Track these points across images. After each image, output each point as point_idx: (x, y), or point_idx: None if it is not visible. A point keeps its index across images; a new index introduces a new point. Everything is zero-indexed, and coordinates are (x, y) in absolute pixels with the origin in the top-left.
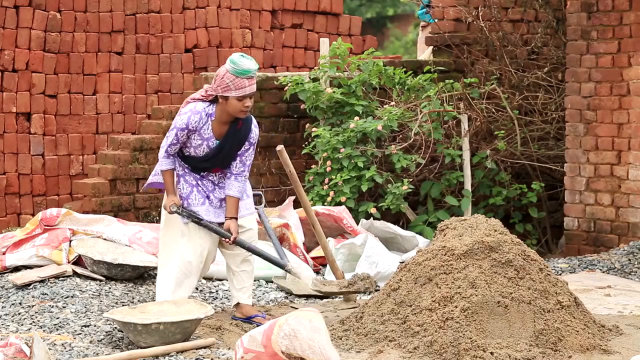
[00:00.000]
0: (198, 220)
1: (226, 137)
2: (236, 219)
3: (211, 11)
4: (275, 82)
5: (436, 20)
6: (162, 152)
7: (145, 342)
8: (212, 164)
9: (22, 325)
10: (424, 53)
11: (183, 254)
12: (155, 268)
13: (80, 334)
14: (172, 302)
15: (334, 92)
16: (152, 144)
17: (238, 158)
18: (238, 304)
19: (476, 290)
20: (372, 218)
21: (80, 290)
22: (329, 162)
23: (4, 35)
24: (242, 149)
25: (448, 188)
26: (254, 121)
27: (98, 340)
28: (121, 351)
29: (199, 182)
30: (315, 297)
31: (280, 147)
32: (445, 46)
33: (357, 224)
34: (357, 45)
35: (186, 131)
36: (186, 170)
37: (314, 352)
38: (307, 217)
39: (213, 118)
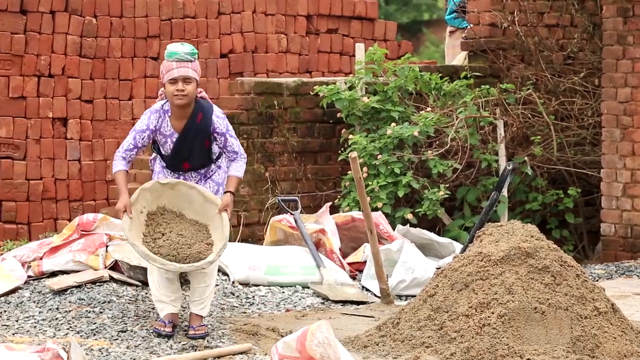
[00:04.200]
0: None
1: (186, 130)
2: (233, 193)
3: (246, 16)
4: (311, 92)
5: (471, 25)
6: (118, 154)
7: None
8: (179, 159)
9: (59, 330)
10: (456, 58)
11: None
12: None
13: (117, 339)
14: (201, 193)
15: (370, 100)
16: None
17: (224, 150)
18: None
19: (513, 297)
20: (408, 224)
21: (117, 296)
22: (365, 168)
23: (41, 40)
24: (220, 142)
25: (484, 193)
26: (217, 111)
27: (135, 346)
28: (158, 357)
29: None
30: (352, 302)
31: (354, 155)
32: (481, 51)
33: (394, 229)
34: (393, 51)
35: (147, 132)
36: (164, 172)
37: None
38: (344, 222)
39: (170, 114)
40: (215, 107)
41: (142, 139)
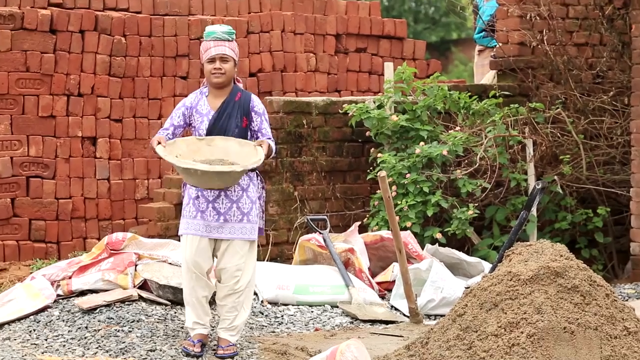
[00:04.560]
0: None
1: (223, 106)
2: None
3: (275, 35)
4: (340, 111)
5: (500, 44)
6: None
7: (188, 181)
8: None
9: (88, 349)
10: (485, 77)
11: (184, 253)
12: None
13: (146, 358)
14: (237, 141)
15: (398, 119)
16: None
17: (259, 133)
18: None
19: (542, 316)
20: (437, 243)
21: (146, 315)
22: (394, 187)
23: (70, 59)
24: (254, 122)
25: (513, 213)
26: (256, 97)
27: None
28: None
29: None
30: (381, 322)
31: (382, 174)
32: (510, 70)
33: (423, 249)
34: (422, 70)
35: (182, 109)
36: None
37: None
38: (373, 242)
39: (207, 94)
40: (252, 94)
41: (178, 116)
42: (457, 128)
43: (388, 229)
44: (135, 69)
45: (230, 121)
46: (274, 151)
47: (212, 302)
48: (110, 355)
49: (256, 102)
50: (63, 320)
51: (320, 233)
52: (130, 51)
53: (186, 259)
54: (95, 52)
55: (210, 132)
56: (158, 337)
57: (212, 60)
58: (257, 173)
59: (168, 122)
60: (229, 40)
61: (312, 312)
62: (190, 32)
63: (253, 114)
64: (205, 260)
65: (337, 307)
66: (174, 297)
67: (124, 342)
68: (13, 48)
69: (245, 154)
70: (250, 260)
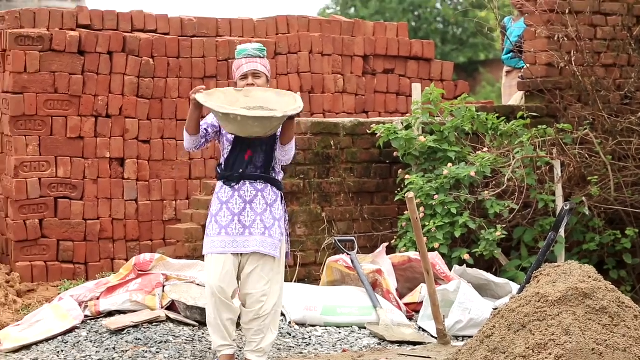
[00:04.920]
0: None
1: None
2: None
3: (303, 57)
4: (367, 131)
5: (528, 65)
6: None
7: (227, 128)
8: (242, 146)
9: None
10: (513, 98)
11: (209, 278)
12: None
13: None
14: (276, 92)
15: (426, 139)
16: None
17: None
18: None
19: (570, 338)
20: (465, 264)
21: (174, 336)
22: (422, 209)
23: (98, 81)
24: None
25: (541, 234)
26: None
27: None
28: None
29: (230, 200)
30: (409, 343)
31: (410, 195)
32: (538, 91)
33: (450, 270)
34: (449, 91)
35: (211, 120)
36: (220, 186)
37: None
38: (401, 263)
39: None
40: None
41: (212, 120)
42: (485, 149)
43: (416, 250)
44: (163, 90)
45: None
46: (294, 141)
47: (237, 322)
48: None
49: None
50: (91, 341)
51: (348, 254)
52: (158, 72)
53: (210, 283)
54: (123, 73)
55: (237, 138)
56: (185, 358)
57: (244, 76)
58: (282, 196)
59: (202, 121)
60: (260, 57)
61: (339, 333)
62: (218, 53)
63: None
64: (229, 284)
65: (365, 328)
66: (202, 318)
67: None
68: (42, 69)
69: (284, 103)
70: (277, 283)
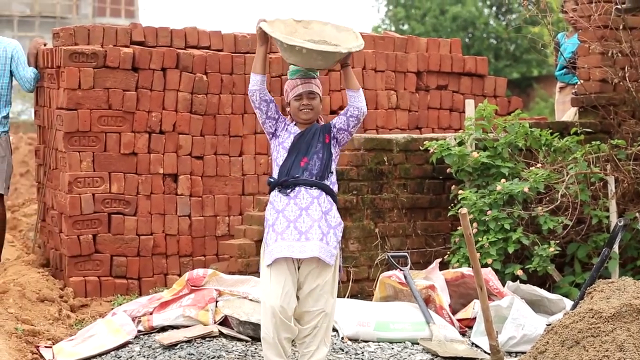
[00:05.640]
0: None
1: (309, 128)
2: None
3: (356, 73)
4: (420, 147)
5: (581, 81)
6: None
7: (289, 59)
8: (298, 153)
9: None
10: (566, 114)
11: (269, 298)
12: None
13: None
14: (335, 26)
15: (479, 155)
16: None
17: (349, 109)
18: None
19: (624, 354)
20: (518, 280)
21: (227, 351)
22: (475, 224)
23: (152, 97)
24: (340, 120)
25: (595, 250)
26: None
27: None
28: None
29: (286, 208)
30: (462, 359)
31: (464, 211)
32: (592, 107)
33: (503, 286)
34: (503, 107)
35: (279, 115)
36: (274, 196)
37: None
38: (454, 279)
39: (294, 123)
40: None
41: (276, 107)
42: (539, 165)
43: (469, 266)
44: (217, 107)
45: (314, 138)
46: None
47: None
48: None
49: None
50: (144, 356)
51: (401, 270)
52: (211, 89)
53: (272, 304)
54: (176, 89)
55: (294, 145)
56: None
57: (299, 97)
58: (337, 207)
59: (271, 101)
60: (314, 78)
61: (392, 348)
62: (271, 69)
63: (335, 124)
64: (290, 304)
65: (418, 343)
66: (255, 334)
67: None
68: (95, 86)
69: (343, 37)
70: (332, 297)
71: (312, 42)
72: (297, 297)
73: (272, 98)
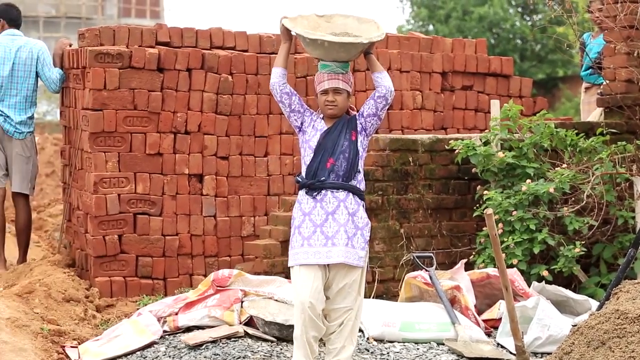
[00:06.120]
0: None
1: (336, 124)
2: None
3: None
4: (446, 146)
5: (607, 82)
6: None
7: (313, 53)
8: (324, 153)
9: None
10: (592, 114)
11: (299, 294)
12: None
13: None
14: (357, 19)
15: (505, 155)
16: None
17: (376, 93)
18: None
19: None
20: (544, 281)
21: (252, 352)
22: (500, 225)
23: (177, 97)
24: (367, 105)
25: (621, 250)
26: None
27: None
28: None
29: (312, 211)
30: (487, 359)
31: (489, 211)
32: (617, 107)
33: (529, 286)
34: (528, 107)
35: (305, 108)
36: (302, 196)
37: None
38: (480, 279)
39: (322, 117)
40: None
41: (301, 101)
42: (564, 165)
43: (494, 267)
44: (242, 107)
45: (340, 136)
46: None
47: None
48: None
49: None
50: (169, 357)
51: (426, 270)
52: (236, 89)
53: (301, 299)
54: (202, 90)
55: (320, 144)
56: None
57: (325, 92)
58: (364, 205)
59: (295, 96)
60: (342, 73)
61: (418, 349)
62: (297, 70)
63: (361, 114)
64: (320, 301)
65: (443, 344)
66: (280, 334)
67: None
68: (121, 86)
69: (366, 29)
70: (360, 294)
71: (334, 35)
72: (326, 297)
73: (295, 92)
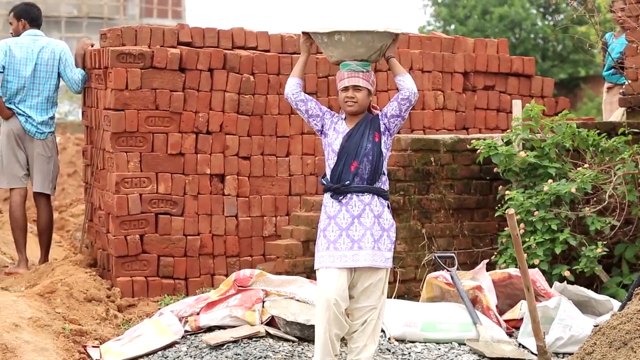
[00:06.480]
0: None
1: (357, 125)
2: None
3: None
4: (467, 146)
5: (629, 82)
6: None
7: (333, 55)
8: (347, 157)
9: None
10: (614, 114)
11: (324, 291)
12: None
13: None
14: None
15: (527, 155)
16: None
17: (400, 92)
18: None
19: None
20: (565, 281)
21: (273, 351)
22: (522, 225)
23: (199, 97)
24: (391, 107)
25: None
26: None
27: None
28: None
29: (337, 215)
30: None
31: (511, 211)
32: (639, 107)
33: (551, 286)
34: (550, 107)
35: (324, 110)
36: (327, 199)
37: None
38: (501, 279)
39: (344, 117)
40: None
41: (319, 105)
42: (586, 165)
43: (516, 267)
44: (264, 107)
45: (363, 138)
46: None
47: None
48: None
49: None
50: (191, 356)
51: (448, 270)
52: (258, 89)
53: (327, 296)
54: (223, 90)
55: (343, 147)
56: None
57: (345, 89)
58: (389, 205)
59: (314, 101)
60: (363, 72)
61: (439, 349)
62: (318, 70)
63: (384, 114)
64: (344, 299)
65: (465, 344)
66: (301, 334)
67: None
68: (143, 86)
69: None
70: (383, 293)
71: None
72: (350, 297)
73: (310, 97)
